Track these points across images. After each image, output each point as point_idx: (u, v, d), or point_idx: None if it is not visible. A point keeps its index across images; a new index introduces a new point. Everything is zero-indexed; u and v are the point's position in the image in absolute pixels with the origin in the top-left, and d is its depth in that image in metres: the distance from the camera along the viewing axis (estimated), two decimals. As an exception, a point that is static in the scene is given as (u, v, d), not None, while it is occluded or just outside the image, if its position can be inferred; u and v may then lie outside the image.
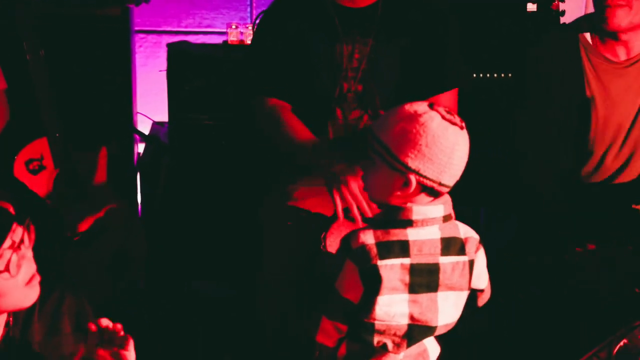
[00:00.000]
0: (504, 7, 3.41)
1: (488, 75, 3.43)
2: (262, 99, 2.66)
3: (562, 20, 3.49)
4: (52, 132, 2.95)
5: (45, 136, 2.94)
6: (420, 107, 1.86)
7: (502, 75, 3.43)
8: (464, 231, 1.97)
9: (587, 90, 2.73)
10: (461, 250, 1.94)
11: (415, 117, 1.85)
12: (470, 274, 1.96)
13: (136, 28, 3.98)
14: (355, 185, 2.26)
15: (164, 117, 3.73)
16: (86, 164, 3.04)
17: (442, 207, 1.92)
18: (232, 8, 4.14)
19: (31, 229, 1.82)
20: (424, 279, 1.91)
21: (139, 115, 3.86)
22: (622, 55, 2.74)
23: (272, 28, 2.68)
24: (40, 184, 2.95)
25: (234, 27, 3.54)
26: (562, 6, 3.43)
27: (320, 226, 2.36)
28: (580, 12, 3.89)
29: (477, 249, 1.98)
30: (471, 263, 1.96)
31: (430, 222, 1.90)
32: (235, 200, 3.39)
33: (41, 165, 2.95)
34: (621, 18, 2.63)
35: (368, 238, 1.89)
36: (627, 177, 2.80)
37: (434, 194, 1.91)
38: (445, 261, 1.92)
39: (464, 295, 1.98)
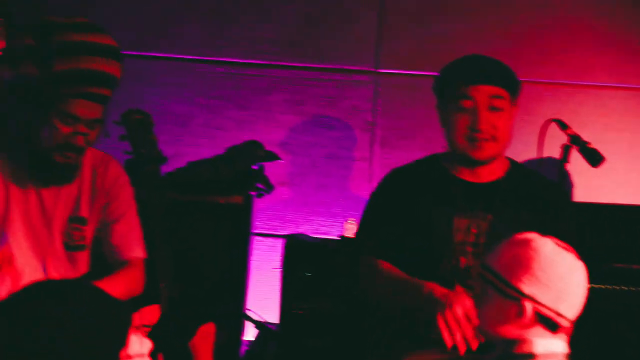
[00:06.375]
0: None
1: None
2: (366, 258, 2.64)
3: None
4: (165, 301, 2.93)
5: (158, 304, 2.93)
6: (532, 235, 1.84)
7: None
8: None
9: None
10: None
11: (527, 242, 1.81)
12: None
13: (254, 231, 4.06)
14: (461, 310, 2.19)
15: (273, 318, 3.68)
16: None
17: (563, 343, 1.76)
18: (349, 217, 4.19)
19: None
20: None
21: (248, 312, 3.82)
22: None
23: (389, 194, 2.71)
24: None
25: (350, 221, 3.58)
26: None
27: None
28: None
29: None
30: None
31: (554, 359, 1.74)
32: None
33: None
34: None
35: None
36: None
37: (552, 326, 1.77)
38: None
39: None
